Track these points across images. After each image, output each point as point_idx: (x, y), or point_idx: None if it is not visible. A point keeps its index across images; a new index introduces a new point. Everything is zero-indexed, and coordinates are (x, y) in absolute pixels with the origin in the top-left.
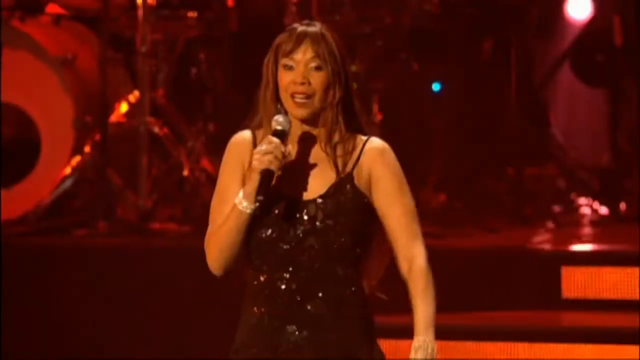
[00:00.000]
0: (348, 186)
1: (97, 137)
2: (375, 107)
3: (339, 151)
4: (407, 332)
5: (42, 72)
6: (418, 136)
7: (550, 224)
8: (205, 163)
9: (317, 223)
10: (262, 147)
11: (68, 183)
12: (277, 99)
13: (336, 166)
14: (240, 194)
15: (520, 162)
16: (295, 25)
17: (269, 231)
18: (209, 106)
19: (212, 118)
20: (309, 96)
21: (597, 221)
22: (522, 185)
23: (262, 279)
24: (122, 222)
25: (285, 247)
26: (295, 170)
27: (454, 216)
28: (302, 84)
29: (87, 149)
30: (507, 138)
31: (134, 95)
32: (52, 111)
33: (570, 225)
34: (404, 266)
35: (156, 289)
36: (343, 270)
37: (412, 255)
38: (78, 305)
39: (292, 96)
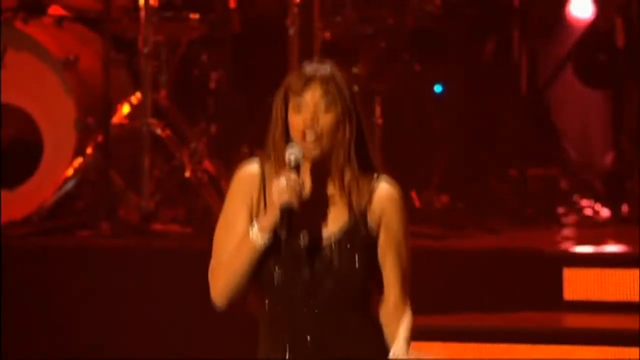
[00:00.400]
0: (362, 227)
1: (100, 138)
2: (377, 109)
3: (352, 190)
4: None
5: (44, 73)
6: (420, 137)
7: (552, 226)
8: (207, 164)
9: (334, 264)
10: (281, 182)
11: (70, 184)
12: (287, 138)
13: (350, 206)
14: (255, 227)
15: (522, 163)
16: (305, 64)
17: (284, 271)
18: (212, 107)
19: (214, 119)
20: (318, 137)
21: (599, 223)
22: (524, 187)
23: (276, 319)
24: (124, 223)
25: (301, 289)
26: (309, 209)
27: (456, 217)
28: (312, 124)
29: (89, 150)
30: (510, 139)
31: (136, 97)
32: (54, 112)
33: (572, 226)
34: (388, 309)
35: (158, 290)
36: (359, 309)
37: (404, 311)
38: (80, 306)
39: (303, 137)
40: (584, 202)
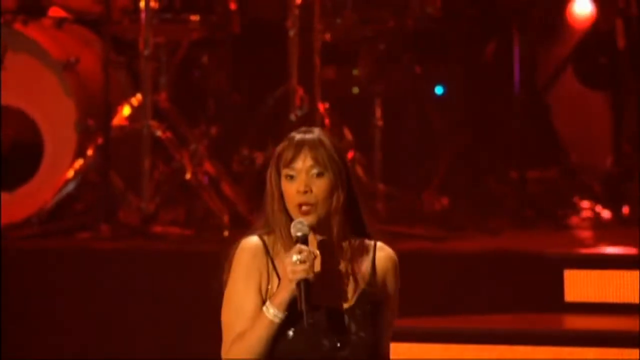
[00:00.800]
0: (371, 294)
1: (100, 140)
2: (377, 110)
3: (354, 258)
4: (406, 335)
5: (44, 75)
6: (420, 139)
7: (552, 227)
8: (207, 166)
9: (351, 335)
10: (295, 256)
11: (71, 186)
12: (285, 208)
13: (356, 273)
14: (268, 303)
15: (522, 164)
16: (293, 133)
17: (302, 344)
18: (212, 109)
19: (214, 121)
20: (313, 204)
21: (600, 224)
22: (524, 188)
23: None
24: (124, 225)
25: (318, 358)
26: (319, 279)
27: (456, 219)
28: (305, 192)
29: (89, 152)
30: (510, 141)
31: (137, 99)
32: (54, 114)
33: (572, 228)
34: None
35: (158, 292)
36: None
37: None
38: (80, 308)
39: (298, 206)
40: (585, 204)
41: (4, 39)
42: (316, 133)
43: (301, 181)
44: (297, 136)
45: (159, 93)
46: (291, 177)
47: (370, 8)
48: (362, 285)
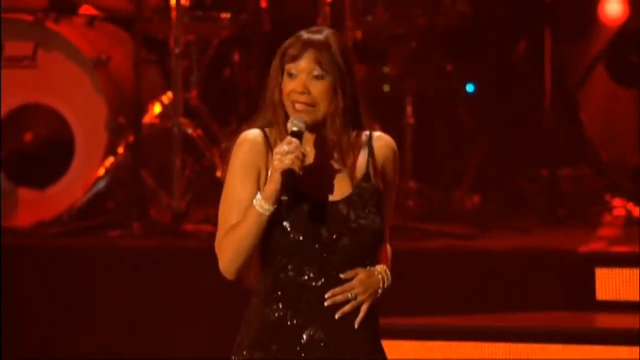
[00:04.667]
0: (369, 184)
1: (131, 138)
2: (408, 109)
3: (351, 153)
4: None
5: (76, 73)
6: (451, 137)
7: (584, 225)
8: None
9: (351, 223)
10: (283, 147)
11: (102, 184)
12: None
13: (352, 168)
14: (258, 195)
15: (553, 163)
16: (302, 32)
17: (300, 234)
18: (242, 107)
19: (245, 119)
20: (310, 105)
21: (632, 222)
22: (555, 186)
23: (286, 277)
24: (155, 223)
25: (317, 247)
26: (315, 173)
27: (487, 217)
28: (302, 93)
29: (120, 150)
30: (541, 139)
31: (168, 97)
32: (85, 112)
33: (604, 226)
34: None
35: (189, 290)
36: (372, 262)
37: (386, 241)
38: (111, 306)
39: (293, 104)
40: (616, 202)
41: (36, 36)
42: (324, 34)
43: (300, 81)
44: (305, 35)
45: (190, 91)
46: (292, 75)
47: (401, 6)
48: (358, 177)
